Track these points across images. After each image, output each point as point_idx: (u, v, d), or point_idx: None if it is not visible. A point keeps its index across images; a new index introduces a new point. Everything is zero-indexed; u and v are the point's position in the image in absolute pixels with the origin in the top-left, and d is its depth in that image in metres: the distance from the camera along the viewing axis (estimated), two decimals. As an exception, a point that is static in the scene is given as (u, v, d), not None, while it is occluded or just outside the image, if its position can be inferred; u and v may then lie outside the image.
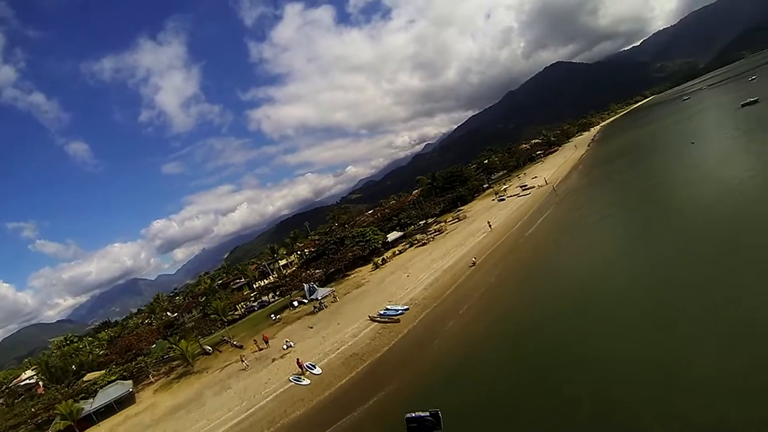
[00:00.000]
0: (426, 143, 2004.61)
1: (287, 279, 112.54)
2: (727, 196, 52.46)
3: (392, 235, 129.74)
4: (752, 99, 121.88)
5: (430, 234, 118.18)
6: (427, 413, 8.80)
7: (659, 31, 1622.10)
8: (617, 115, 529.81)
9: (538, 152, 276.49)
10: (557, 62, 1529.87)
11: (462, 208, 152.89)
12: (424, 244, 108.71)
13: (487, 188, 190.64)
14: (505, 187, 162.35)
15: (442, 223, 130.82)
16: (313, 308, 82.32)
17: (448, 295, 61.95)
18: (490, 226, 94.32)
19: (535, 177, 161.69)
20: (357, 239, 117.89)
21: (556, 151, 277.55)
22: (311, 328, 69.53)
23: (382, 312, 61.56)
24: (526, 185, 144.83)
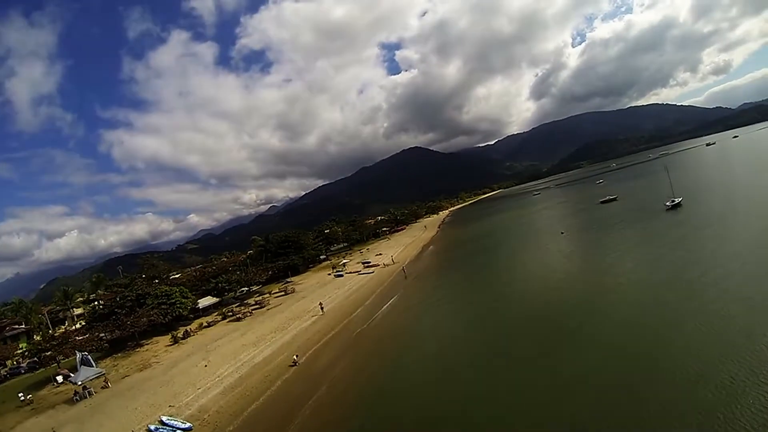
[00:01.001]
0: (271, 205, 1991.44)
1: (57, 341, 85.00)
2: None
3: (205, 301, 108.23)
4: (611, 197, 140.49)
5: (249, 307, 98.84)
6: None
7: (513, 134, 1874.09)
8: (466, 203, 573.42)
9: (384, 228, 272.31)
10: (415, 147, 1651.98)
11: (292, 279, 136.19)
12: (238, 319, 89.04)
13: (325, 260, 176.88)
14: (344, 261, 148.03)
15: (266, 295, 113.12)
16: (74, 394, 59.25)
17: (253, 411, 43.82)
18: (322, 308, 78.15)
19: (380, 254, 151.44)
20: (160, 300, 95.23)
21: (403, 229, 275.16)
22: (54, 432, 47.07)
23: (153, 428, 41.95)
24: (370, 262, 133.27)
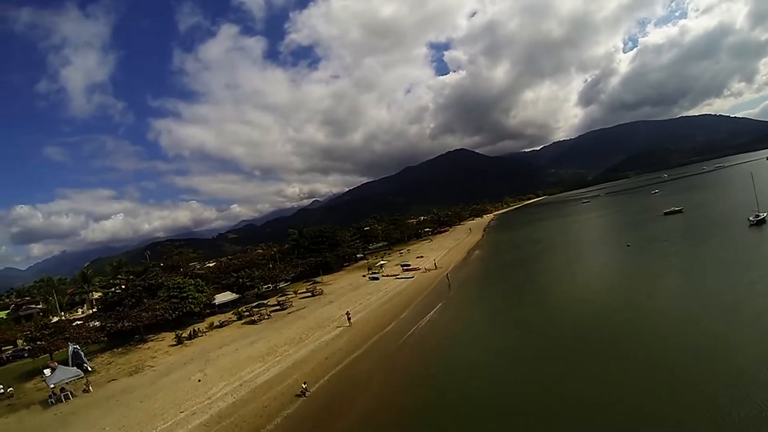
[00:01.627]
0: (314, 199, 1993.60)
1: (49, 330, 74.72)
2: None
3: (223, 297, 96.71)
4: (676, 208, 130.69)
5: (269, 308, 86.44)
6: None
7: (559, 141, 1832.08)
8: (510, 207, 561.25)
9: (427, 229, 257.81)
10: (461, 149, 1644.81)
11: (322, 278, 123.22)
12: (253, 322, 77.26)
13: (361, 258, 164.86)
14: (382, 262, 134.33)
15: (291, 295, 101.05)
16: (49, 396, 48.89)
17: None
18: (349, 318, 64.89)
19: (421, 257, 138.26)
20: (171, 293, 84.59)
21: (446, 231, 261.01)
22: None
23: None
24: (409, 265, 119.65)
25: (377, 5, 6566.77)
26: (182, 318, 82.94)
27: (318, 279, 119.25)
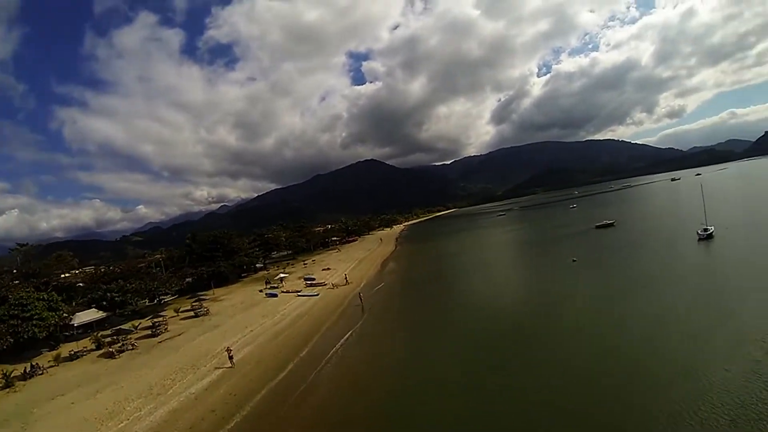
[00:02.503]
0: (223, 204, 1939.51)
1: None
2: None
3: (85, 316, 77.22)
4: (608, 222, 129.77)
5: (139, 333, 69.71)
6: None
7: (470, 156, 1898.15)
8: (420, 219, 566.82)
9: (334, 238, 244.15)
10: (372, 159, 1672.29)
11: (214, 292, 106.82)
12: (112, 355, 58.91)
13: (261, 268, 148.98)
14: (282, 274, 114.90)
15: (171, 314, 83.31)
16: None
17: None
18: (230, 358, 48.61)
19: (328, 269, 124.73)
20: (12, 311, 65.32)
21: (355, 240, 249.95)
22: None
23: None
24: (314, 279, 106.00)
25: (302, 9, 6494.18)
26: (26, 345, 63.83)
27: (206, 294, 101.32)
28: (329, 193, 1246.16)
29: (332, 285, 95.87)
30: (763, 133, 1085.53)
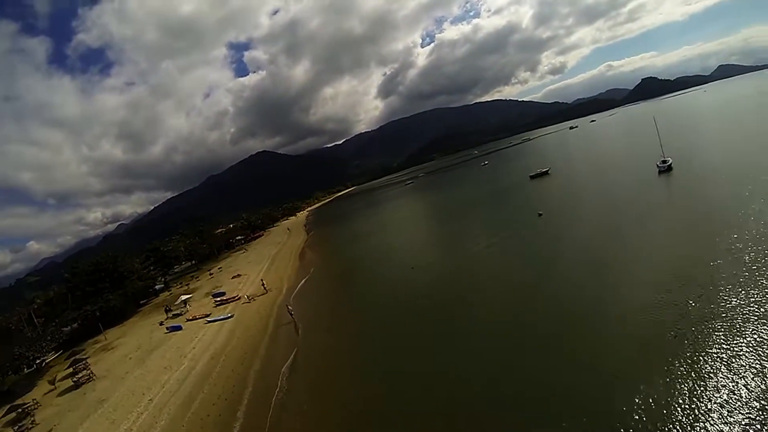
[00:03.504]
0: (119, 223, 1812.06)
1: None
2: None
3: None
4: (542, 170, 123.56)
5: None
6: None
7: (361, 133, 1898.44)
8: (322, 202, 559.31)
9: (239, 237, 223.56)
10: (263, 151, 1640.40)
11: (104, 338, 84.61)
12: None
13: (162, 290, 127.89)
14: (184, 296, 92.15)
15: (39, 396, 59.87)
16: None
17: None
18: None
19: (238, 275, 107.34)
20: None
21: (261, 236, 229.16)
22: None
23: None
24: (224, 294, 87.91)
25: (176, 3, 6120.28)
26: None
27: (96, 341, 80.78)
28: (226, 191, 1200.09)
29: (247, 297, 78.91)
30: (639, 81, 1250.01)
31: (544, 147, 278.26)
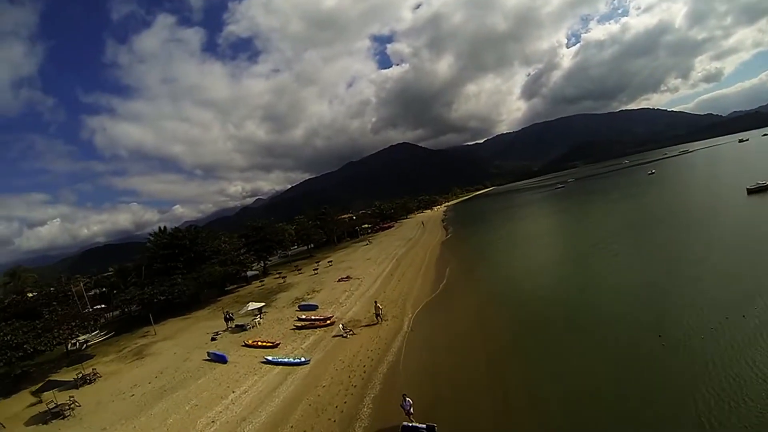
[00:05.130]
0: (257, 197, 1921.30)
1: None
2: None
3: None
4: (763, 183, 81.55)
5: None
6: (424, 425, 13.97)
7: (502, 134, 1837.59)
8: (460, 198, 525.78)
9: (365, 225, 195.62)
10: (404, 143, 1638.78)
11: (153, 331, 60.80)
12: None
13: (254, 278, 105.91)
14: (254, 305, 58.49)
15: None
16: None
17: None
18: None
19: (347, 278, 76.82)
20: None
21: (390, 227, 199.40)
22: None
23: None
24: (314, 309, 56.41)
25: None
26: None
27: (135, 338, 53.48)
28: (363, 179, 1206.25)
29: (342, 329, 44.81)
30: None
31: (718, 159, 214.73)
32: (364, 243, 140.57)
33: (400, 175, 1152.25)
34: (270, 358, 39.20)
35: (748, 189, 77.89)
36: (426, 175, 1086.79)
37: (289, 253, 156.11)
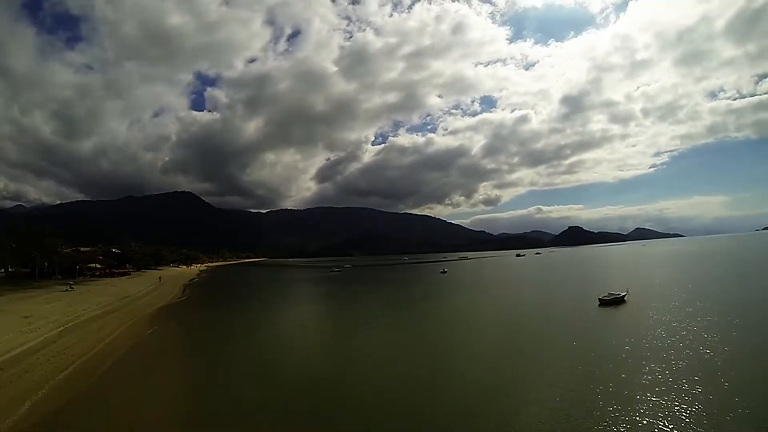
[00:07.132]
0: (19, 203, 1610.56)
1: None
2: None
3: None
4: (616, 294, 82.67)
5: None
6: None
7: (287, 209, 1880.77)
8: (227, 262, 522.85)
9: (94, 264, 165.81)
10: (190, 192, 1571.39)
11: None
12: None
13: None
14: None
15: None
16: None
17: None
18: None
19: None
20: None
21: (127, 274, 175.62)
22: None
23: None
24: None
25: (168, 9, 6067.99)
26: None
27: None
28: (139, 217, 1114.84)
29: None
30: (565, 228, 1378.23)
31: (504, 266, 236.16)
32: (65, 288, 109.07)
33: (177, 222, 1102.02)
34: None
35: (601, 300, 73.92)
36: (203, 230, 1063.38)
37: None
